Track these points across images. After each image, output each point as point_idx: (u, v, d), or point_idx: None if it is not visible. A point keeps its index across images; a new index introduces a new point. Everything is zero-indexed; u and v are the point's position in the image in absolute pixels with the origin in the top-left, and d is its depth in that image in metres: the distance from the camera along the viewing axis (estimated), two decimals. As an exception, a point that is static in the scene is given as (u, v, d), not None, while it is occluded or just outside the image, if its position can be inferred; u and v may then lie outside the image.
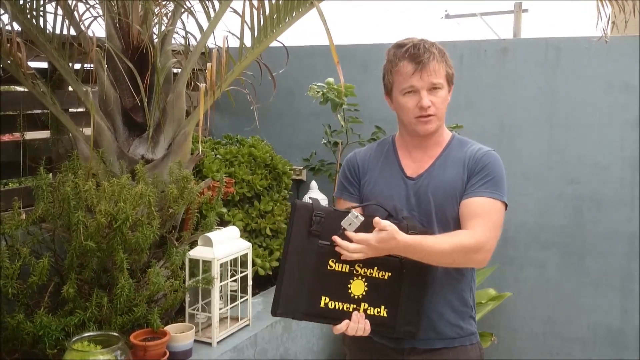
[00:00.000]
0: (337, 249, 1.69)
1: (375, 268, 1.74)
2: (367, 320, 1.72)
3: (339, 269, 1.71)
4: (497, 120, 3.51)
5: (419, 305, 1.79)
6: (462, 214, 1.80)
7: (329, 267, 1.70)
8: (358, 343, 1.96)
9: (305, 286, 1.69)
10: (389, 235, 1.65)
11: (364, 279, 1.73)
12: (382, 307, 1.75)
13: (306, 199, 3.30)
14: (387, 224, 1.65)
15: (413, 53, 1.78)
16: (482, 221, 1.76)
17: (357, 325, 1.71)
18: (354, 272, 1.73)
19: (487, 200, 1.78)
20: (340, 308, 1.72)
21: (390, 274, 1.75)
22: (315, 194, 3.42)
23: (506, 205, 1.82)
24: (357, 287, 1.73)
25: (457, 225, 1.81)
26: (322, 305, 1.70)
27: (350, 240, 1.68)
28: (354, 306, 1.73)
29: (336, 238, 1.68)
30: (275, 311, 1.70)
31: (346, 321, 1.71)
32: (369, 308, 1.74)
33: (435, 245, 1.72)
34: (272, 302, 1.70)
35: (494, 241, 1.77)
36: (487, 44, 3.55)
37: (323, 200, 3.24)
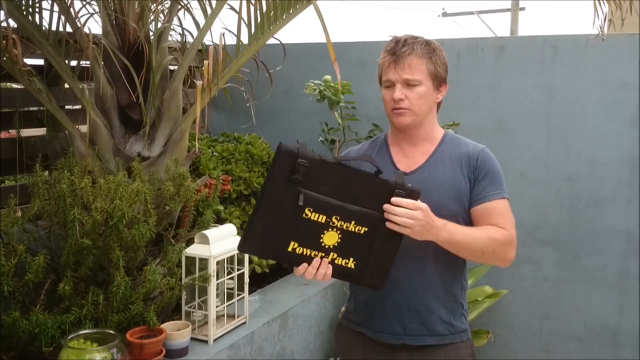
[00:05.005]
0: (386, 215, 1.65)
1: (353, 222, 1.69)
2: (329, 266, 1.69)
3: (315, 219, 1.66)
4: (493, 118, 3.51)
5: (389, 262, 1.75)
6: (479, 218, 1.82)
7: (304, 215, 1.65)
8: (349, 340, 1.96)
9: (276, 230, 1.65)
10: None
11: (338, 232, 1.69)
12: (351, 259, 1.72)
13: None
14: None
15: (392, 46, 1.80)
16: (503, 220, 1.81)
17: (316, 269, 1.68)
18: (330, 223, 1.67)
19: (499, 202, 1.82)
20: (308, 254, 1.68)
21: (367, 229, 1.70)
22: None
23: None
24: (330, 238, 1.69)
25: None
26: (289, 249, 1.66)
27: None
28: (322, 254, 1.69)
29: (396, 200, 1.65)
30: (242, 248, 1.70)
31: (304, 264, 1.68)
32: (338, 258, 1.71)
33: (470, 231, 1.76)
34: (240, 239, 1.70)
35: (515, 238, 1.83)
36: (484, 41, 3.56)
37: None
